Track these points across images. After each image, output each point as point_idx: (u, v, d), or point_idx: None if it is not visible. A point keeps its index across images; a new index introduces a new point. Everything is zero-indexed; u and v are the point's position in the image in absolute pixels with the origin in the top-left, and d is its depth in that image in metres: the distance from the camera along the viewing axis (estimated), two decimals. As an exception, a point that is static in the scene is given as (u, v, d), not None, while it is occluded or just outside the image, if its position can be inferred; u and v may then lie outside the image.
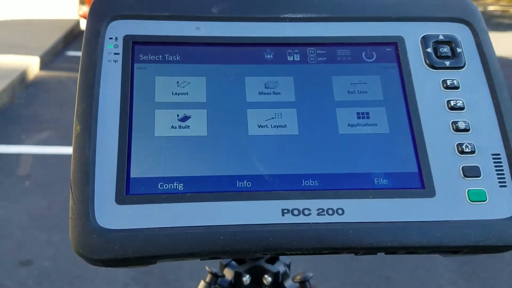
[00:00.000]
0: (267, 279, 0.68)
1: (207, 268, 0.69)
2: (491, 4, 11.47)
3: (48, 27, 5.07)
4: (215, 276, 0.68)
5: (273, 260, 0.70)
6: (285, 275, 0.70)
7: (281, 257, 0.71)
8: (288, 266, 0.71)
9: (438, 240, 0.39)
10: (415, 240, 0.39)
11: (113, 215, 0.38)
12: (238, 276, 0.68)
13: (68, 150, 2.69)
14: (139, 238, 0.37)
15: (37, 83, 3.76)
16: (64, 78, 3.91)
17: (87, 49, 0.42)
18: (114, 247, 0.37)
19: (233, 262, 0.70)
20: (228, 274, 0.69)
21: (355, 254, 0.41)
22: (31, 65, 3.86)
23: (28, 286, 1.72)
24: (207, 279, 0.68)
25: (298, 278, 0.69)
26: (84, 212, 0.37)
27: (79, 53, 4.68)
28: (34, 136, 2.85)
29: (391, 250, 0.40)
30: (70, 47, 4.88)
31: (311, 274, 0.69)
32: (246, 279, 0.67)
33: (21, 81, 3.61)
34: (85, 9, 4.75)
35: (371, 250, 0.39)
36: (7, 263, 1.81)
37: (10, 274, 1.77)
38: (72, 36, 5.20)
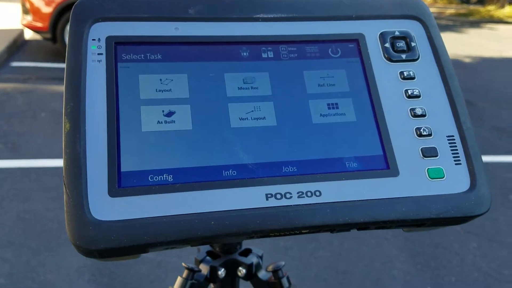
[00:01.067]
0: (242, 271, 0.71)
1: (183, 264, 0.71)
2: (429, 6, 12.03)
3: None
4: (191, 271, 0.70)
5: (246, 253, 0.73)
6: (258, 266, 0.73)
7: (253, 250, 0.74)
8: (261, 257, 0.74)
9: (404, 214, 0.44)
10: (384, 216, 0.43)
11: (107, 207, 0.40)
12: (213, 270, 0.70)
13: (17, 163, 2.61)
14: (134, 228, 0.39)
15: (-20, 95, 3.62)
16: (10, 90, 3.78)
17: (72, 51, 0.44)
18: (110, 237, 0.39)
19: (208, 257, 0.73)
20: (204, 269, 0.71)
21: (331, 232, 0.45)
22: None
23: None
24: (184, 275, 0.70)
25: (270, 267, 0.72)
26: (79, 205, 0.39)
27: (24, 64, 4.55)
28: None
29: (363, 226, 0.44)
30: (15, 58, 4.72)
31: (283, 263, 0.72)
32: (221, 272, 0.70)
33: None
34: (29, 18, 4.58)
35: (346, 226, 0.43)
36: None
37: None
38: (16, 47, 5.02)
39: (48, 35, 4.59)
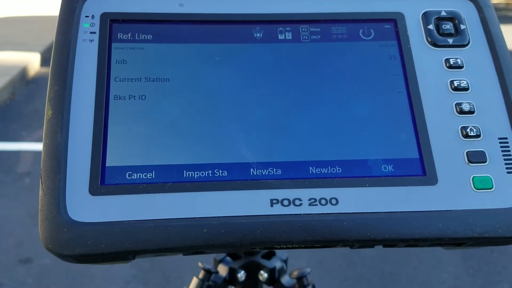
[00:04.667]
0: (263, 275, 0.65)
1: (200, 264, 0.66)
2: (496, -4, 11.37)
3: (49, 24, 5.04)
4: (208, 272, 0.65)
5: (269, 256, 0.67)
6: (282, 271, 0.67)
7: (277, 252, 0.68)
8: (285, 261, 0.68)
9: (441, 232, 0.36)
10: (415, 232, 0.36)
11: (86, 207, 0.35)
12: (232, 272, 0.65)
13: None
14: (114, 232, 0.34)
15: (38, 79, 3.74)
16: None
17: (62, 28, 0.39)
18: (87, 242, 0.34)
19: (228, 258, 0.67)
20: (222, 270, 0.66)
21: (351, 247, 0.38)
22: (32, 61, 3.83)
23: (28, 284, 1.70)
24: (200, 276, 0.65)
25: (295, 274, 0.66)
26: (54, 203, 0.35)
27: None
28: (35, 133, 2.83)
29: (389, 243, 0.37)
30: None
31: (308, 270, 0.66)
32: (241, 275, 0.65)
33: (22, 78, 3.59)
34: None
35: (368, 242, 0.36)
36: (7, 261, 1.79)
37: (9, 273, 1.75)
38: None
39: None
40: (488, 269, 1.88)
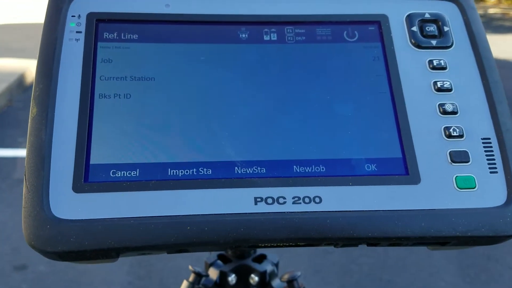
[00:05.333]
0: (254, 278, 0.65)
1: (190, 267, 0.66)
2: (492, 6, 11.43)
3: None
4: (198, 275, 0.65)
5: (260, 259, 0.67)
6: (273, 274, 0.67)
7: (268, 256, 0.68)
8: (276, 265, 0.68)
9: (424, 231, 0.36)
10: (398, 231, 0.36)
11: (70, 204, 0.35)
12: (223, 275, 0.65)
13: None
14: (97, 229, 0.34)
15: (37, 87, 3.74)
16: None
17: (48, 27, 0.40)
18: (70, 239, 0.34)
19: (219, 261, 0.67)
20: (213, 273, 0.66)
21: (335, 246, 0.38)
22: (29, 68, 3.84)
23: (22, 291, 1.69)
24: (190, 279, 0.65)
25: (286, 277, 0.66)
26: (37, 200, 0.35)
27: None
28: (32, 140, 2.82)
29: (372, 241, 0.37)
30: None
31: (299, 273, 0.66)
32: (232, 278, 0.65)
33: (19, 84, 3.59)
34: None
35: (351, 241, 0.36)
36: (1, 268, 1.79)
37: (4, 279, 1.74)
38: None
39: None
40: (486, 278, 1.87)
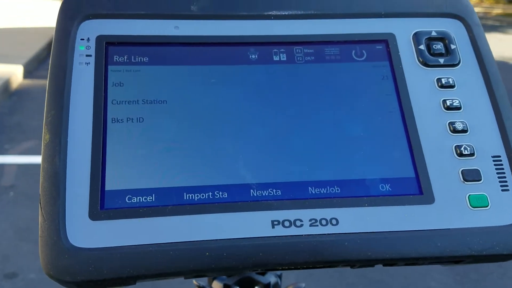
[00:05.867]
0: (257, 291, 0.65)
1: (194, 281, 0.65)
2: (474, 5, 11.58)
3: (31, 35, 4.99)
4: (202, 289, 0.64)
5: (263, 271, 0.67)
6: (276, 286, 0.67)
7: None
8: (280, 276, 0.68)
9: (440, 250, 0.37)
10: (414, 251, 0.36)
11: (87, 232, 0.35)
12: (227, 288, 0.65)
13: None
14: (116, 258, 0.34)
15: (21, 91, 3.69)
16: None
17: (57, 51, 0.39)
18: (88, 268, 0.34)
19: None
20: (217, 287, 0.66)
21: (351, 267, 0.38)
22: (15, 73, 3.79)
23: (13, 300, 1.67)
24: (195, 293, 0.65)
25: (289, 289, 0.66)
26: (54, 229, 0.34)
27: (63, 61, 4.62)
28: (18, 146, 2.79)
29: (389, 262, 0.37)
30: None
31: (303, 285, 0.66)
32: (236, 291, 0.64)
33: (4, 90, 3.54)
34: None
35: (369, 262, 0.37)
36: (-9, 276, 1.76)
37: (-6, 288, 1.72)
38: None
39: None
40: (476, 276, 1.89)
